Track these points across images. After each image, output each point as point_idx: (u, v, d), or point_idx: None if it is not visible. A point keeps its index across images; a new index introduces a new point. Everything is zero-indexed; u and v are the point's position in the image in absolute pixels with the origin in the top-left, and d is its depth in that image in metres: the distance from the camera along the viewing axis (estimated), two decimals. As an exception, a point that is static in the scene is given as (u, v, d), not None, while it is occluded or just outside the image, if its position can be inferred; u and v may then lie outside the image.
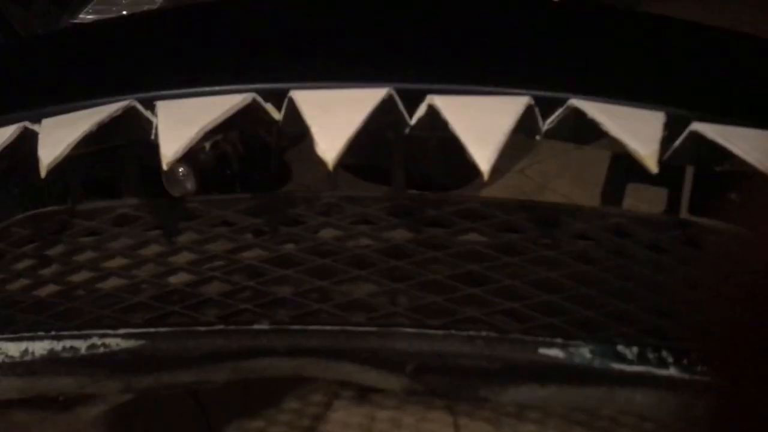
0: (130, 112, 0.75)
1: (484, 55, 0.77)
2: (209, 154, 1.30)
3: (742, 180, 0.87)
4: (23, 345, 0.86)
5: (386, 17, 0.81)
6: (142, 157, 1.07)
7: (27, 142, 0.72)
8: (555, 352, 0.77)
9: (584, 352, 0.76)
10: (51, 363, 0.84)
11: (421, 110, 0.72)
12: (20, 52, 0.96)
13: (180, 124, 0.70)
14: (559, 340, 0.77)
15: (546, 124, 0.72)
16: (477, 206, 0.84)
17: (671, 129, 0.70)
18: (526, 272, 0.79)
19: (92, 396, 1.48)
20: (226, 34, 0.86)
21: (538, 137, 0.73)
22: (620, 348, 0.76)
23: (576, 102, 0.70)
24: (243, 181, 1.40)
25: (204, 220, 0.88)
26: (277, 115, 0.75)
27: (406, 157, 1.07)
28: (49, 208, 0.92)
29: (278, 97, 0.74)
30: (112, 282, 0.89)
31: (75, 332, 0.85)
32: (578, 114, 0.70)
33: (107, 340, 0.85)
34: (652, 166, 0.63)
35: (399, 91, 0.72)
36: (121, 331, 0.85)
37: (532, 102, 0.71)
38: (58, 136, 0.70)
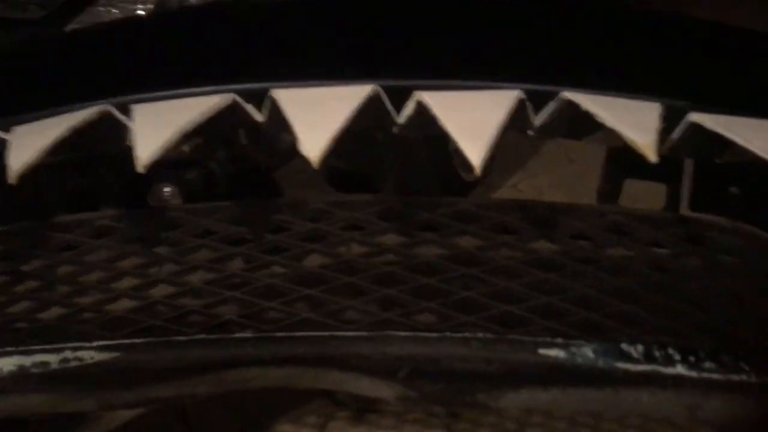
0: (105, 116, 0.73)
1: (472, 49, 0.76)
2: (195, 172, 1.29)
3: (743, 173, 0.87)
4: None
5: (370, 12, 0.80)
6: (121, 168, 1.05)
7: (-3, 151, 0.70)
8: (556, 353, 0.75)
9: (587, 352, 0.75)
10: (20, 380, 0.81)
11: (409, 108, 0.70)
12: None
13: (156, 126, 0.68)
14: (560, 340, 0.75)
15: (539, 119, 0.71)
16: (471, 208, 0.83)
17: (668, 121, 0.69)
18: (524, 273, 0.77)
19: (78, 422, 1.46)
20: (204, 35, 0.84)
21: (530, 132, 0.72)
22: (624, 346, 0.74)
23: (569, 94, 0.69)
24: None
25: (186, 229, 0.86)
26: (259, 116, 0.73)
27: (396, 166, 1.05)
28: (24, 222, 0.89)
29: (259, 97, 0.73)
30: (91, 296, 0.87)
31: (46, 346, 0.82)
32: (572, 107, 0.69)
33: (80, 353, 0.82)
34: (651, 155, 0.61)
35: (385, 88, 0.70)
36: (96, 343, 0.82)
37: (524, 96, 0.70)
38: (29, 143, 0.69)
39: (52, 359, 0.82)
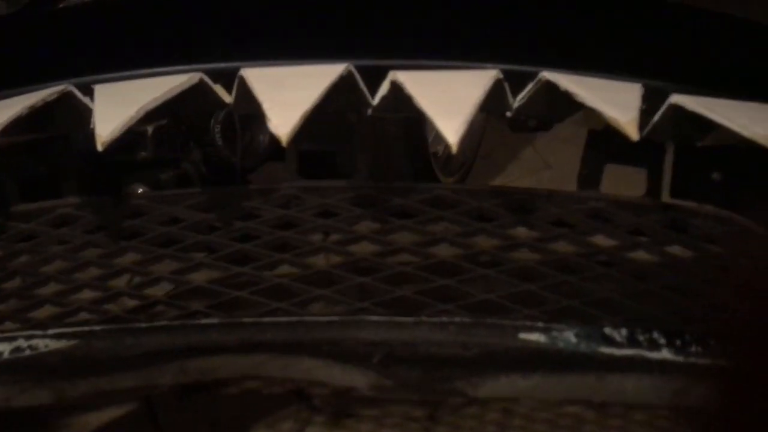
0: (65, 96, 0.71)
1: (449, 28, 0.75)
2: (170, 174, 1.27)
3: (724, 159, 0.87)
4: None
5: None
6: (83, 154, 1.03)
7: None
8: (537, 337, 0.74)
9: (569, 336, 0.74)
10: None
11: (384, 88, 0.69)
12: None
13: (118, 105, 0.66)
14: (540, 324, 0.74)
15: (517, 101, 0.70)
16: (447, 194, 0.82)
17: (650, 102, 0.69)
18: (503, 260, 0.76)
19: (47, 429, 1.43)
20: (172, 14, 0.83)
21: (508, 114, 0.71)
22: (608, 330, 0.73)
23: (548, 75, 0.68)
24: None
25: (151, 217, 0.84)
26: (228, 97, 0.72)
27: (371, 151, 1.04)
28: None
29: (228, 77, 0.71)
30: (52, 287, 0.84)
31: None
32: (551, 87, 0.68)
33: (35, 342, 0.79)
34: (633, 133, 0.61)
35: (359, 68, 0.69)
36: (51, 331, 0.80)
37: (501, 76, 0.69)
38: (-17, 122, 0.66)
39: (4, 348, 0.80)
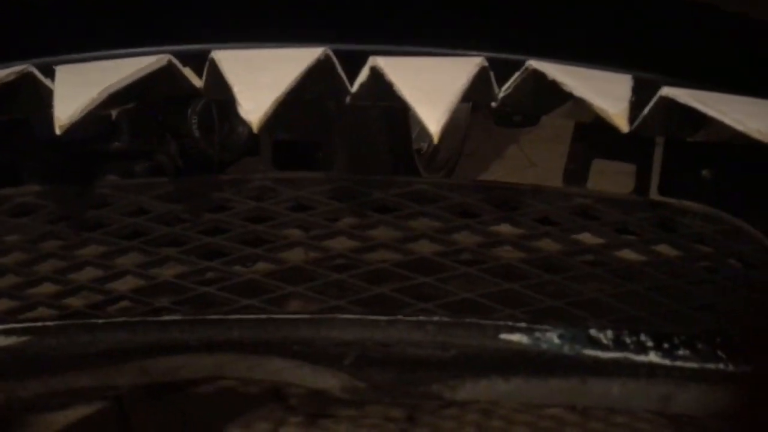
0: (25, 78, 0.68)
1: (433, 12, 0.73)
2: (144, 166, 1.24)
3: (714, 156, 0.85)
4: None
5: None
6: (49, 141, 1.00)
7: None
8: (518, 338, 0.72)
9: (552, 337, 0.72)
10: None
11: (363, 74, 0.67)
12: None
13: (80, 86, 0.63)
14: (523, 325, 0.71)
15: (503, 90, 0.68)
16: (428, 188, 0.80)
17: (640, 95, 0.67)
18: (486, 258, 0.74)
19: (11, 429, 1.40)
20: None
21: (494, 104, 0.69)
22: (593, 332, 0.71)
23: (535, 64, 0.66)
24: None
25: (116, 207, 0.81)
26: (198, 81, 0.69)
27: (349, 142, 1.02)
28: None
29: (199, 60, 0.69)
30: (8, 280, 0.81)
31: None
32: (538, 76, 0.66)
33: None
34: (622, 125, 0.59)
35: (337, 52, 0.67)
36: (2, 326, 0.76)
37: (486, 64, 0.67)
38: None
39: None
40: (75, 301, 0.79)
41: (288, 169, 1.00)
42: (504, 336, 0.73)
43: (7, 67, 0.70)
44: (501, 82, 0.69)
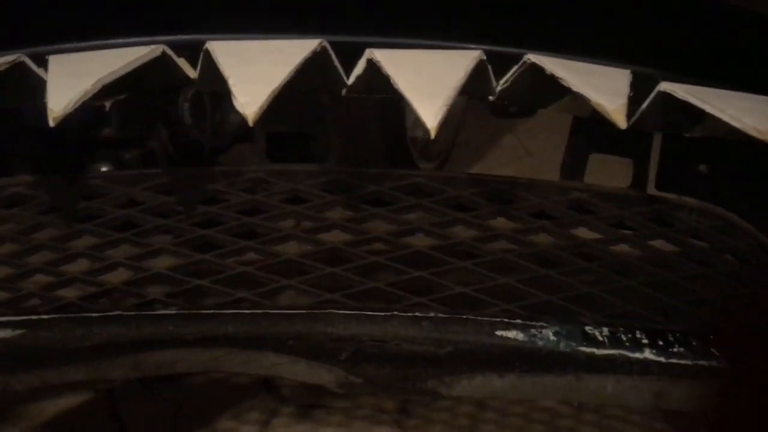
0: (17, 67, 0.68)
1: (431, 5, 0.72)
2: (135, 154, 1.23)
3: (711, 151, 0.85)
4: None
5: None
6: (38, 130, 0.99)
7: None
8: (515, 334, 0.72)
9: (548, 334, 0.72)
10: None
11: (360, 67, 0.67)
12: None
13: (73, 77, 0.63)
14: (519, 321, 0.72)
15: (500, 84, 0.68)
16: (423, 181, 0.80)
17: (638, 90, 0.67)
18: (481, 253, 0.74)
19: (2, 418, 1.40)
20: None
21: (491, 98, 0.69)
22: (589, 329, 0.72)
23: (533, 58, 0.66)
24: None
25: (108, 198, 0.81)
26: (192, 72, 0.69)
27: (344, 135, 1.01)
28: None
29: (193, 51, 0.68)
30: (1, 271, 0.81)
31: None
32: (536, 71, 0.66)
33: None
34: (621, 121, 0.59)
35: (334, 44, 0.66)
36: None
37: (484, 57, 0.67)
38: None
39: None
40: (68, 293, 0.79)
41: (282, 161, 1.00)
42: (500, 332, 0.73)
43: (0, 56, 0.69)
44: (499, 76, 0.69)
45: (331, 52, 0.67)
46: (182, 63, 0.69)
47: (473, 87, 0.67)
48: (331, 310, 0.74)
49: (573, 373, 0.72)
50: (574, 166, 0.85)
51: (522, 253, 0.76)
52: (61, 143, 1.11)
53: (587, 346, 0.72)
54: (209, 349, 0.75)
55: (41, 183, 0.84)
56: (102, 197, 0.82)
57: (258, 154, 1.17)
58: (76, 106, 0.60)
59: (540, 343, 0.72)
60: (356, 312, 0.73)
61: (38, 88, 0.69)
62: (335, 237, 0.80)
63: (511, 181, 0.80)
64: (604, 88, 0.62)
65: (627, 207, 0.79)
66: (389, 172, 0.80)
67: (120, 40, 0.71)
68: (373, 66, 0.66)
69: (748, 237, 0.78)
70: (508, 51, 0.69)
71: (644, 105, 0.67)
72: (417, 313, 0.73)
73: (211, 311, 0.75)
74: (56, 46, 0.72)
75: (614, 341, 0.72)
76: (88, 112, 1.12)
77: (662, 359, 0.70)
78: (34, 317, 0.75)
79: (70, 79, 0.62)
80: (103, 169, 1.14)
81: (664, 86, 0.67)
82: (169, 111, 1.25)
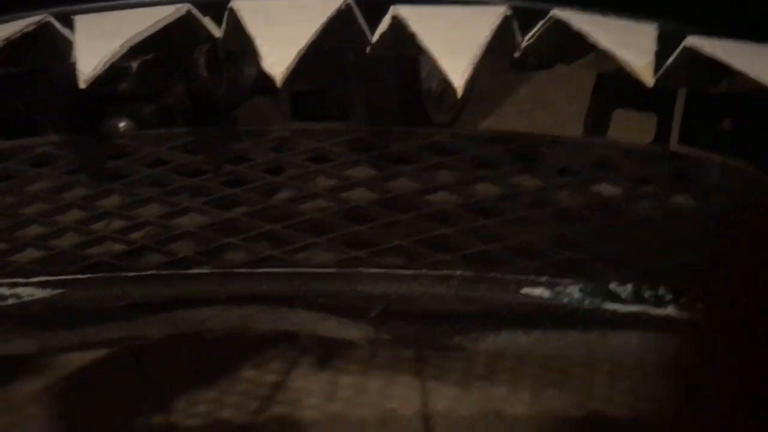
0: (44, 28, 0.68)
1: (454, -39, 0.72)
2: (152, 108, 1.23)
3: (736, 106, 0.85)
4: None
5: None
6: (66, 90, 1.00)
7: None
8: (540, 292, 0.73)
9: (573, 292, 0.73)
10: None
11: (384, 24, 0.66)
12: None
13: (101, 38, 0.63)
14: (544, 279, 0.73)
15: (525, 40, 0.68)
16: (447, 140, 0.80)
17: (664, 44, 0.66)
18: (505, 210, 0.75)
19: (28, 369, 1.43)
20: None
21: (516, 54, 0.68)
22: (613, 286, 0.72)
23: (559, 13, 0.66)
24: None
25: (136, 158, 0.82)
26: (217, 31, 0.69)
27: (367, 93, 1.01)
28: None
29: (218, 9, 0.68)
30: (33, 231, 0.82)
31: None
32: (562, 27, 0.66)
33: (18, 290, 0.78)
34: (648, 78, 0.59)
35: (358, 2, 0.66)
36: (35, 279, 0.78)
37: (510, 13, 0.66)
38: (-45, 54, 0.63)
39: None
40: (98, 251, 0.81)
41: (306, 120, 1.00)
42: (526, 290, 0.74)
43: (26, 17, 0.70)
44: (523, 32, 0.68)
45: (356, 9, 0.66)
46: (207, 22, 0.69)
47: (498, 44, 0.67)
48: (360, 269, 0.75)
49: (597, 329, 0.73)
50: (597, 122, 0.84)
51: (545, 210, 0.77)
52: (84, 101, 1.11)
53: (611, 302, 0.72)
54: (241, 307, 0.76)
55: (69, 143, 0.85)
56: (128, 156, 0.83)
57: (282, 114, 1.16)
58: (106, 67, 0.60)
59: (565, 300, 0.73)
60: (384, 270, 0.74)
61: (65, 48, 0.69)
62: (360, 195, 0.80)
63: (534, 137, 0.79)
64: (631, 44, 0.62)
65: (650, 163, 0.79)
66: (413, 131, 0.80)
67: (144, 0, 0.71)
68: (397, 23, 0.65)
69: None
70: (533, 6, 0.68)
71: (669, 61, 0.67)
72: (445, 271, 0.74)
73: (243, 270, 0.76)
74: (82, 6, 0.72)
75: (638, 298, 0.72)
76: (108, 70, 1.12)
77: (685, 316, 0.70)
78: (71, 277, 0.77)
79: (98, 41, 0.63)
80: (121, 124, 1.15)
81: (690, 41, 0.66)
82: (185, 65, 1.24)
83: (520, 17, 0.67)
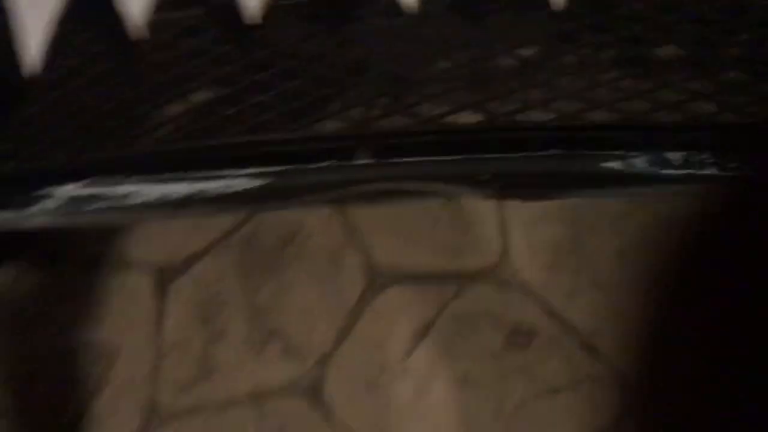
0: None
1: None
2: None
3: None
4: (162, 188, 0.86)
5: None
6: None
7: None
8: (613, 164, 0.88)
9: (640, 162, 0.86)
10: (185, 205, 0.85)
11: None
12: None
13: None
14: (619, 152, 0.88)
15: None
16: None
17: None
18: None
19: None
20: None
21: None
22: (668, 155, 0.87)
23: None
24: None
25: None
26: None
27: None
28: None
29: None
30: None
31: (207, 173, 0.85)
32: None
33: (235, 182, 0.86)
34: None
35: None
36: (244, 171, 0.86)
37: None
38: None
39: (212, 186, 0.86)
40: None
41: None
42: (602, 164, 0.87)
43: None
44: None
45: None
46: None
47: None
48: (485, 154, 0.85)
49: (653, 185, 0.88)
50: None
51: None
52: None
53: (667, 169, 0.90)
54: (393, 182, 0.85)
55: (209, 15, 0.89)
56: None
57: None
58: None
59: (634, 169, 0.86)
60: (504, 155, 0.84)
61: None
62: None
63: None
64: None
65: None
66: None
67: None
68: None
69: None
70: None
71: None
72: (546, 153, 0.85)
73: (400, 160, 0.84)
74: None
75: (687, 163, 0.90)
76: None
77: (725, 174, 0.84)
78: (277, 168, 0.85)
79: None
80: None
81: None
82: None
83: None
